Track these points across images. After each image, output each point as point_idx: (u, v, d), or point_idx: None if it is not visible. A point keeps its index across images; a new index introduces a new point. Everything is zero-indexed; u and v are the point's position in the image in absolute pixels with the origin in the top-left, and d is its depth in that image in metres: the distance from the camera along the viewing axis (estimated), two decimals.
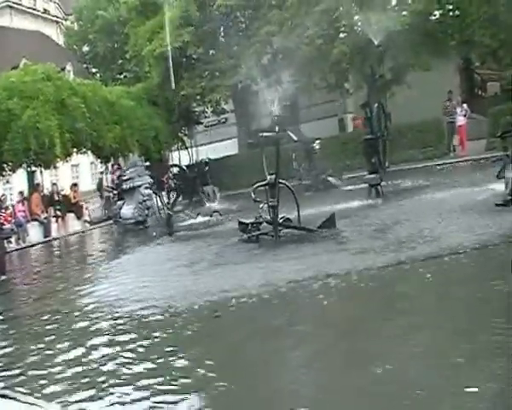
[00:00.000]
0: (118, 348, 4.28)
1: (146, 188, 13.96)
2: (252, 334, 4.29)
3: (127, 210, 13.84)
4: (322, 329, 4.18)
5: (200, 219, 12.16)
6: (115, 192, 16.00)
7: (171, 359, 3.93)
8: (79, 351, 4.38)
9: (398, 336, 3.70)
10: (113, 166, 19.14)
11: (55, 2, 38.84)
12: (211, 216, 12.01)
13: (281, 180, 7.65)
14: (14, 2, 35.16)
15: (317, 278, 5.26)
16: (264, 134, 7.92)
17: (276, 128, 7.66)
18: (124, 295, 5.88)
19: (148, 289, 6.02)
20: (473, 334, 3.52)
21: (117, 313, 5.29)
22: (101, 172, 20.41)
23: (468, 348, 3.33)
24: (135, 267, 7.67)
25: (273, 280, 5.44)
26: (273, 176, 7.52)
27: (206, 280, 5.93)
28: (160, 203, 13.06)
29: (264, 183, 7.66)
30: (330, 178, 14.63)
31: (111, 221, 15.36)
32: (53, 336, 4.92)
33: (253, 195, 7.60)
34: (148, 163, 16.36)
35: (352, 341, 3.81)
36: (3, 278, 8.86)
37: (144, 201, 13.74)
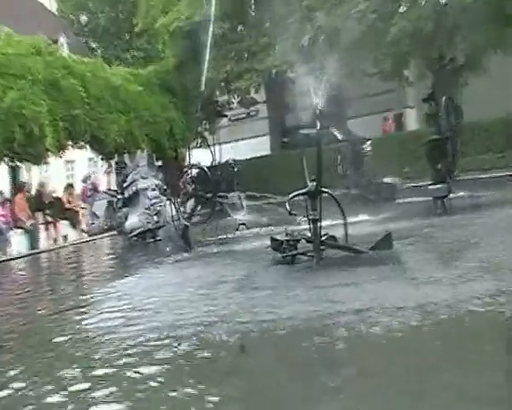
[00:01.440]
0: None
1: (153, 190, 14.10)
2: (284, 375, 4.29)
3: (133, 219, 14.00)
4: (371, 377, 4.08)
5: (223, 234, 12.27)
6: (119, 197, 16.29)
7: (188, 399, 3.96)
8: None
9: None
10: (109, 165, 19.41)
11: None
12: (236, 230, 12.08)
13: (323, 189, 7.70)
14: None
15: (367, 311, 5.25)
16: (305, 131, 7.95)
17: (318, 125, 7.68)
18: (131, 324, 5.95)
19: (159, 315, 6.10)
20: None
21: (126, 346, 5.35)
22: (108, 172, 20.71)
23: None
24: (143, 290, 7.75)
25: (311, 311, 5.46)
26: (314, 183, 7.58)
27: (229, 307, 6.00)
28: (174, 212, 13.13)
29: (302, 191, 7.72)
30: (386, 187, 14.54)
31: (114, 232, 15.54)
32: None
33: (288, 206, 7.69)
34: (159, 163, 16.55)
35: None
36: None
37: (152, 205, 13.85)
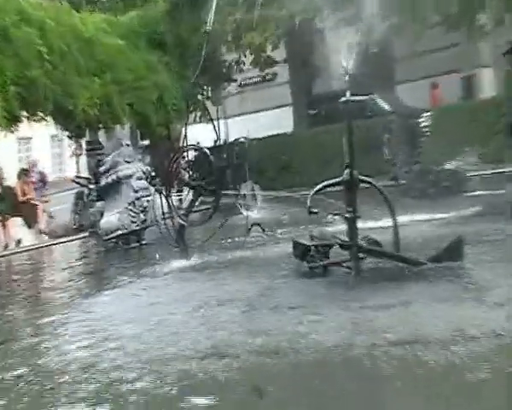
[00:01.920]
0: None
1: (139, 179, 14.08)
2: None
3: (110, 217, 14.01)
4: None
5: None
6: (92, 187, 16.20)
7: None
8: None
9: None
10: (78, 144, 19.46)
11: None
12: (248, 231, 12.13)
13: (363, 177, 7.70)
14: None
15: (423, 343, 5.25)
16: (352, 98, 7.91)
17: (350, 92, 7.66)
18: (103, 359, 5.95)
19: (139, 347, 6.09)
20: None
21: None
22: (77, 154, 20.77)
23: None
24: (120, 312, 7.74)
25: (346, 341, 5.46)
26: (350, 170, 7.59)
27: (236, 335, 6.01)
28: (165, 207, 13.08)
29: (334, 181, 7.75)
30: (451, 176, 14.43)
31: (86, 233, 15.62)
32: None
33: (308, 202, 7.75)
34: (146, 142, 16.51)
35: None
36: None
37: (137, 199, 13.82)
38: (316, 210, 7.79)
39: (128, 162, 14.26)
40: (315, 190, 7.86)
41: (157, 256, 11.56)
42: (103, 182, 14.30)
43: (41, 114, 16.44)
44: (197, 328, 6.47)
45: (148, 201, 13.78)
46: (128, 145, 14.68)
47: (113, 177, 14.08)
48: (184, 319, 6.90)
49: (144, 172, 14.34)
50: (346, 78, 7.76)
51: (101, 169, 14.72)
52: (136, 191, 13.94)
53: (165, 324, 6.84)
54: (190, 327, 6.56)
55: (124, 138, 15.17)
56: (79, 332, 7.01)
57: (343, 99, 7.73)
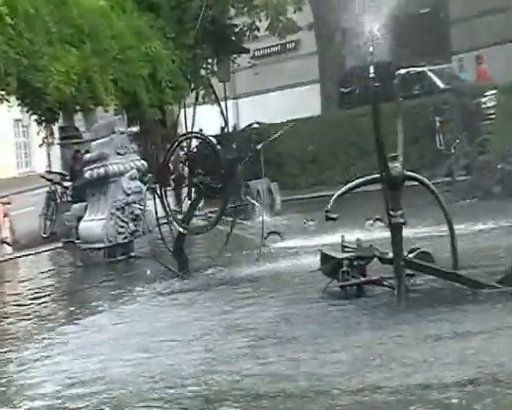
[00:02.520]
0: None
1: (132, 179, 14.00)
2: None
3: (92, 223, 13.98)
4: None
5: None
6: (67, 185, 16.20)
7: None
8: None
9: None
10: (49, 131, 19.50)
11: None
12: (264, 241, 12.14)
13: (410, 173, 7.74)
14: None
15: (489, 383, 5.25)
16: (410, 70, 7.88)
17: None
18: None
19: (116, 392, 6.09)
20: None
21: None
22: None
23: None
24: (95, 345, 7.79)
25: (387, 381, 5.46)
26: (397, 165, 7.59)
27: (245, 377, 6.00)
28: (159, 210, 13.10)
29: (372, 177, 7.82)
30: None
31: (58, 244, 15.58)
32: None
33: (330, 204, 7.78)
34: (135, 129, 16.39)
35: None
36: None
37: (128, 204, 13.77)
38: (335, 216, 7.78)
39: (120, 154, 14.18)
40: (346, 188, 7.95)
41: (147, 273, 11.65)
42: (87, 175, 14.18)
43: (1, 93, 16.47)
44: (191, 365, 6.49)
45: (141, 208, 13.72)
46: (122, 133, 14.59)
47: (100, 171, 13.94)
48: (174, 355, 6.90)
49: (139, 170, 14.26)
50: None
51: (86, 157, 14.71)
52: (127, 194, 13.89)
53: (152, 356, 6.89)
54: (182, 363, 6.58)
55: (118, 122, 14.95)
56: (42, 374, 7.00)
57: (400, 72, 7.74)
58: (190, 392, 5.84)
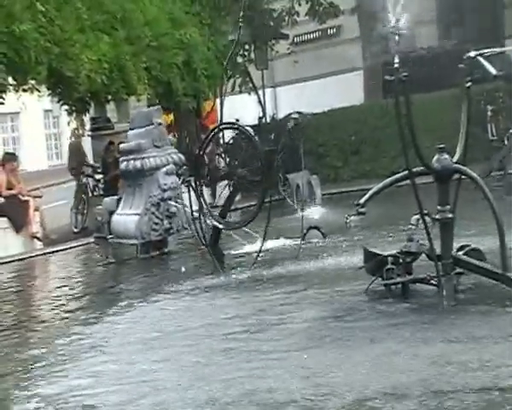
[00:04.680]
0: None
1: (169, 174, 13.94)
2: None
3: (126, 217, 14.05)
4: None
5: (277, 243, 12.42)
6: (99, 178, 16.18)
7: None
8: None
9: None
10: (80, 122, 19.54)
11: None
12: (304, 236, 12.16)
13: (460, 166, 7.71)
14: None
15: None
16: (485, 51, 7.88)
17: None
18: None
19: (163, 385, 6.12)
20: None
21: None
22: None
23: None
24: (140, 342, 7.82)
25: (443, 386, 5.39)
26: (445, 156, 7.59)
27: (294, 375, 6.00)
28: (194, 205, 13.08)
29: (418, 170, 7.75)
30: None
31: (90, 239, 15.65)
32: None
33: (366, 197, 7.79)
34: (169, 118, 16.29)
35: None
36: None
37: (163, 200, 13.77)
38: (364, 210, 7.77)
39: (157, 147, 14.10)
40: (385, 182, 7.96)
41: (183, 269, 11.71)
42: (122, 165, 14.18)
43: (32, 82, 16.54)
44: (218, 365, 6.48)
45: (176, 205, 13.67)
46: (159, 124, 14.49)
47: (137, 164, 13.82)
48: (200, 357, 6.89)
49: (176, 164, 14.15)
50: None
51: (122, 147, 14.70)
52: (163, 190, 13.81)
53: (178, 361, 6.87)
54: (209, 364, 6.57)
55: (155, 114, 14.84)
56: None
57: (470, 54, 7.68)
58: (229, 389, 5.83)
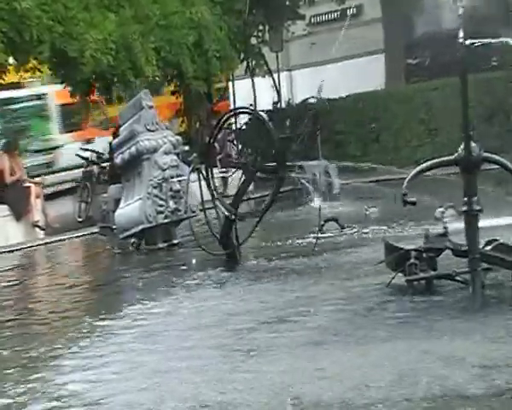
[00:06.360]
0: None
1: (166, 153, 13.92)
2: None
3: (127, 207, 14.01)
4: None
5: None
6: (105, 165, 16.11)
7: None
8: None
9: None
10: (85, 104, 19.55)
11: None
12: (321, 227, 12.16)
13: (488, 154, 7.64)
14: None
15: None
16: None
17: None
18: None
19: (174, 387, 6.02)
20: None
21: None
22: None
23: None
24: (152, 341, 7.70)
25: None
26: (473, 145, 7.46)
27: (307, 377, 5.94)
28: (204, 192, 13.06)
29: (444, 159, 7.76)
30: None
31: (95, 228, 15.70)
32: None
33: (404, 187, 7.75)
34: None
35: None
36: None
37: (165, 180, 13.71)
38: (413, 199, 7.73)
39: (151, 131, 14.17)
40: (416, 170, 7.87)
41: (194, 261, 11.74)
42: (118, 160, 14.27)
43: (34, 62, 16.53)
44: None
45: (179, 181, 13.69)
46: (151, 107, 14.56)
47: (132, 150, 13.96)
48: (207, 358, 6.81)
49: (174, 144, 14.25)
50: (462, 11, 7.64)
51: (115, 142, 14.74)
52: (163, 169, 13.84)
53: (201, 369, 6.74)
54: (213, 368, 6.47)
55: (145, 97, 14.91)
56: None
57: (465, 42, 7.58)
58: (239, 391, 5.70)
